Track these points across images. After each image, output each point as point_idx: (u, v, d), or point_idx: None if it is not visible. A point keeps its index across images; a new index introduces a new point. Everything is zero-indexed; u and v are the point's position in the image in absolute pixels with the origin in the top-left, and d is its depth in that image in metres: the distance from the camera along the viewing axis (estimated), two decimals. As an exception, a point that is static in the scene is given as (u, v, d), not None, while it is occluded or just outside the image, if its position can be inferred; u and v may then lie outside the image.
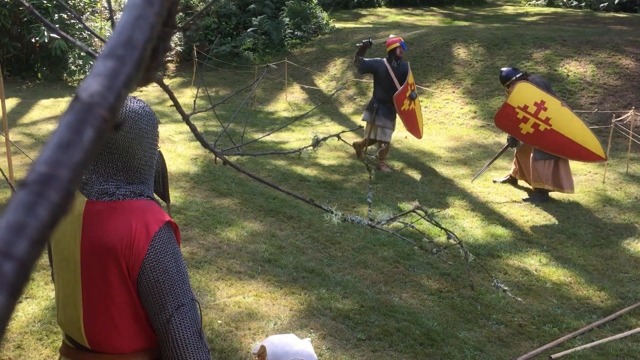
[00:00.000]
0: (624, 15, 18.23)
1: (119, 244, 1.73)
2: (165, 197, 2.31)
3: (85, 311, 1.80)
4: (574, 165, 8.17)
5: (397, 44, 7.81)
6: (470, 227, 6.11)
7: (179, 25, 0.60)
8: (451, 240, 1.16)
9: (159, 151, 2.00)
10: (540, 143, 6.45)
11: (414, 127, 8.03)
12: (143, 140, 1.83)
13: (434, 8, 22.51)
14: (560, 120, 6.32)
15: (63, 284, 1.85)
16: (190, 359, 1.76)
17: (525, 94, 6.40)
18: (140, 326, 1.81)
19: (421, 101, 11.23)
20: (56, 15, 12.58)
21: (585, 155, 6.39)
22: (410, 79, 7.74)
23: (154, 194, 1.99)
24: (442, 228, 1.15)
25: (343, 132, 1.14)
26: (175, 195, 6.66)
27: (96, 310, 1.79)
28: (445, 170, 7.99)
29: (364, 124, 8.21)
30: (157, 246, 1.76)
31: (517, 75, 6.77)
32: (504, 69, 7.14)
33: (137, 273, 1.75)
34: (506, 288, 1.27)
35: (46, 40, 12.46)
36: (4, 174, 2.05)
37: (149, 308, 1.77)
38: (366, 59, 7.93)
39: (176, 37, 15.40)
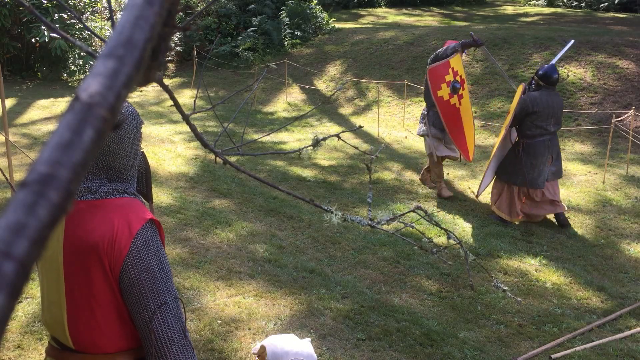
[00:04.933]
0: (624, 16, 18.23)
1: (101, 241, 1.72)
2: (148, 197, 2.31)
3: (69, 311, 1.79)
4: (574, 166, 8.18)
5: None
6: (470, 227, 6.11)
7: (179, 25, 0.60)
8: (451, 240, 1.16)
9: (142, 152, 2.01)
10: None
11: (456, 133, 6.66)
12: (124, 141, 1.83)
13: (434, 8, 22.51)
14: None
15: (47, 284, 1.84)
16: (175, 357, 1.74)
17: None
18: (124, 325, 1.80)
19: (420, 101, 11.23)
20: (56, 15, 12.58)
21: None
22: (455, 63, 6.56)
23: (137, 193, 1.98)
24: (442, 228, 1.15)
25: (343, 132, 1.14)
26: (174, 196, 6.66)
27: (80, 309, 1.78)
28: (444, 171, 7.99)
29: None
30: (139, 244, 1.75)
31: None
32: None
33: (119, 271, 1.73)
34: (506, 288, 1.27)
35: (46, 40, 12.46)
36: (4, 174, 2.05)
37: (131, 306, 1.75)
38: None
39: (176, 37, 15.39)
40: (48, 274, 1.82)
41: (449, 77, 6.56)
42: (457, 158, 6.98)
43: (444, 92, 6.53)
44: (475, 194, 6.57)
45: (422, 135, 7.08)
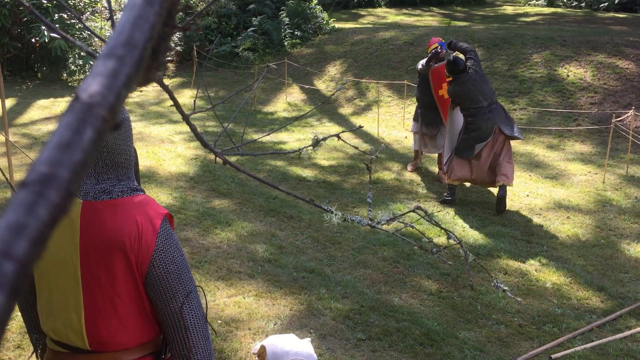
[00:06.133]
0: (624, 16, 18.23)
1: (128, 239, 1.76)
2: None
3: (87, 313, 1.79)
4: (574, 166, 8.18)
5: (436, 45, 7.37)
6: (470, 227, 6.11)
7: (179, 25, 0.60)
8: (451, 240, 1.16)
9: (133, 146, 2.05)
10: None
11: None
12: (125, 136, 1.88)
13: (434, 8, 22.51)
14: None
15: (57, 290, 1.83)
16: (199, 343, 1.83)
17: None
18: (145, 319, 1.84)
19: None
20: (56, 15, 12.58)
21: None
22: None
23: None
24: (442, 228, 1.15)
25: (343, 132, 1.13)
26: (174, 196, 6.66)
27: (100, 310, 1.79)
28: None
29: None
30: (163, 238, 1.81)
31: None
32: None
33: (146, 266, 1.79)
34: (506, 288, 1.27)
35: (46, 40, 12.46)
36: (4, 174, 2.05)
37: (160, 299, 1.81)
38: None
39: (176, 37, 15.39)
40: (58, 279, 1.81)
41: (449, 78, 7.00)
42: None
43: (445, 91, 7.06)
44: (446, 177, 7.04)
45: (413, 132, 7.82)
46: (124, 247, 1.76)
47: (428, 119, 7.44)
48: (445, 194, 6.79)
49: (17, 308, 4.38)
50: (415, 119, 7.69)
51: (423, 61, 7.37)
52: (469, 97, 6.43)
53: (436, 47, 7.30)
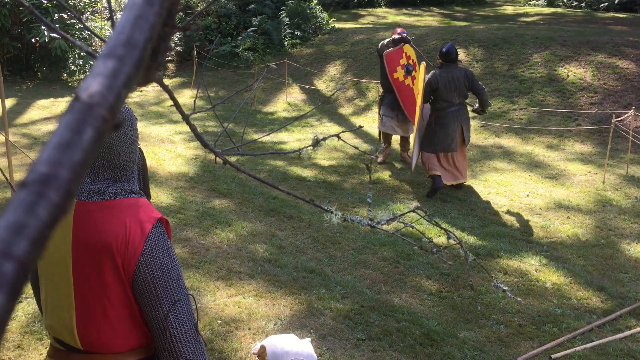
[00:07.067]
0: (624, 16, 18.23)
1: (115, 241, 1.74)
2: (146, 193, 2.33)
3: (78, 313, 1.79)
4: (574, 166, 8.18)
5: (397, 33, 7.79)
6: (470, 227, 6.11)
7: (179, 25, 0.60)
8: (451, 240, 1.16)
9: (139, 148, 2.03)
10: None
11: (410, 108, 7.63)
12: (127, 138, 1.87)
13: (434, 8, 22.50)
14: (418, 87, 7.31)
15: (52, 287, 1.84)
16: (188, 353, 1.77)
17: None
18: (135, 324, 1.81)
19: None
20: (56, 15, 12.58)
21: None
22: (407, 49, 7.61)
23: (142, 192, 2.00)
24: (442, 228, 1.15)
25: (342, 132, 1.13)
26: (174, 196, 6.66)
27: (91, 311, 1.78)
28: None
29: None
30: (152, 243, 1.77)
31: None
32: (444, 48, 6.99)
33: (132, 270, 1.75)
34: (506, 288, 1.27)
35: (46, 40, 12.46)
36: (4, 174, 2.05)
37: (146, 305, 1.77)
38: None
39: (176, 37, 15.39)
40: (54, 277, 1.82)
41: (403, 61, 7.62)
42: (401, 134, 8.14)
43: (399, 74, 7.60)
44: (412, 169, 7.37)
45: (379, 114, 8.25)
46: (111, 250, 1.74)
47: (388, 101, 7.86)
48: (430, 186, 6.99)
49: (17, 308, 4.37)
50: (379, 102, 8.17)
51: (385, 41, 7.81)
52: (448, 89, 6.70)
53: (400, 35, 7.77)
